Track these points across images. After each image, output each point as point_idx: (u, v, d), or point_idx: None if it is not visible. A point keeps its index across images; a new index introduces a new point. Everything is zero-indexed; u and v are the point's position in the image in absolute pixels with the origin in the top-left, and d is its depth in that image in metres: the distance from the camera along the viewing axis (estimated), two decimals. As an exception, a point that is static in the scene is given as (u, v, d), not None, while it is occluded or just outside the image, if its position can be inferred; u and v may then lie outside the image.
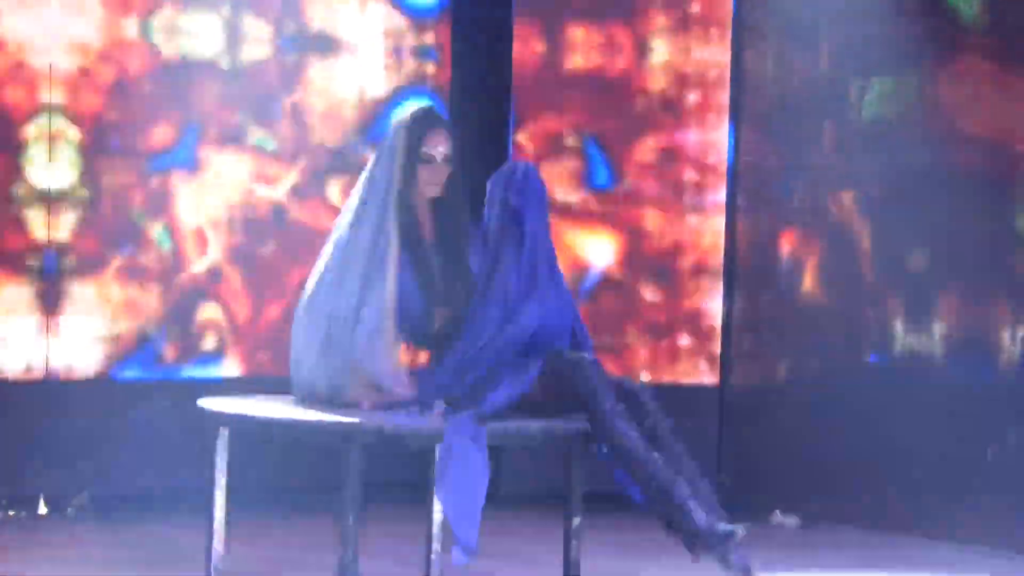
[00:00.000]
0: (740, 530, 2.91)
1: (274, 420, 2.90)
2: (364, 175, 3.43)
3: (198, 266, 4.75)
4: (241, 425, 2.94)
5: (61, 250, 4.56)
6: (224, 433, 2.92)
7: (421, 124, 3.42)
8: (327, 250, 3.35)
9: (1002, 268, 4.33)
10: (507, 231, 3.20)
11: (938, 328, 4.49)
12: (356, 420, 2.83)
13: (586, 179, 5.15)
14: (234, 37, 4.79)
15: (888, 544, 4.40)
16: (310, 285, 3.26)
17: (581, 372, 3.01)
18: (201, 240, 4.76)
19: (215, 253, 4.77)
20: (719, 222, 5.15)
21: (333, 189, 4.91)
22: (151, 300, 4.67)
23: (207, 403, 2.98)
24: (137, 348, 4.68)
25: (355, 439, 2.76)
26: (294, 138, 4.87)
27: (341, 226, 3.38)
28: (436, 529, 3.14)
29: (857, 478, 4.57)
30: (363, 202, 3.41)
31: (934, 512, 4.35)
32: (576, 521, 2.99)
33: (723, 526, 2.92)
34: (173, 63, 4.68)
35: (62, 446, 4.47)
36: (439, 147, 3.39)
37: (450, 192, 3.42)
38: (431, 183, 3.39)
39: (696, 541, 2.92)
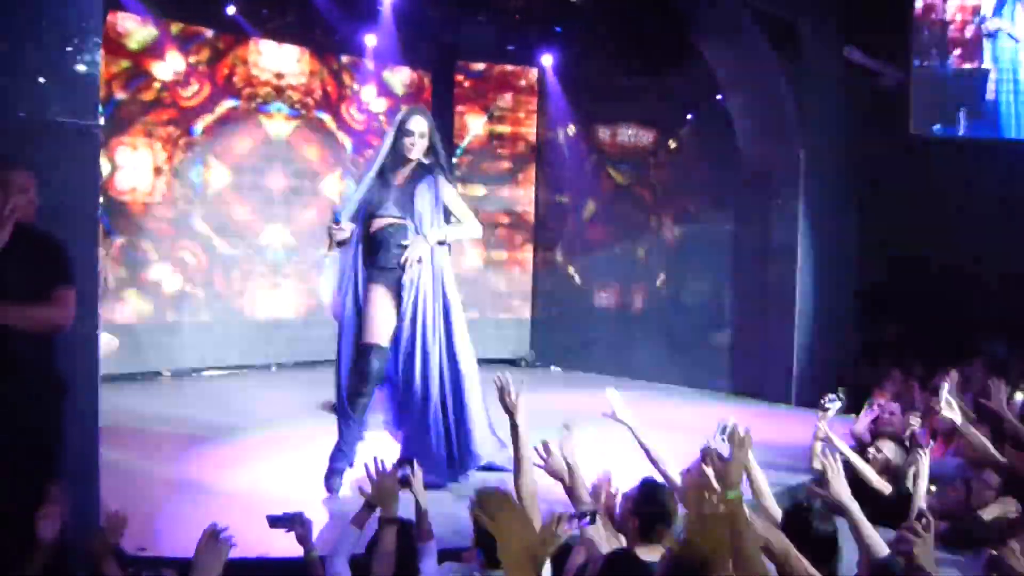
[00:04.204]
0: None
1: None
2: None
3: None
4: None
5: None
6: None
7: (408, 111, 5.47)
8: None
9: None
10: None
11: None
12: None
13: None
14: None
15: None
16: None
17: None
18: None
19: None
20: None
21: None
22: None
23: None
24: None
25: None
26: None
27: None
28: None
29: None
30: (373, 155, 5.48)
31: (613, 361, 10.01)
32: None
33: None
34: None
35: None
36: (416, 126, 5.32)
37: (424, 156, 5.40)
38: (410, 149, 5.24)
39: None
